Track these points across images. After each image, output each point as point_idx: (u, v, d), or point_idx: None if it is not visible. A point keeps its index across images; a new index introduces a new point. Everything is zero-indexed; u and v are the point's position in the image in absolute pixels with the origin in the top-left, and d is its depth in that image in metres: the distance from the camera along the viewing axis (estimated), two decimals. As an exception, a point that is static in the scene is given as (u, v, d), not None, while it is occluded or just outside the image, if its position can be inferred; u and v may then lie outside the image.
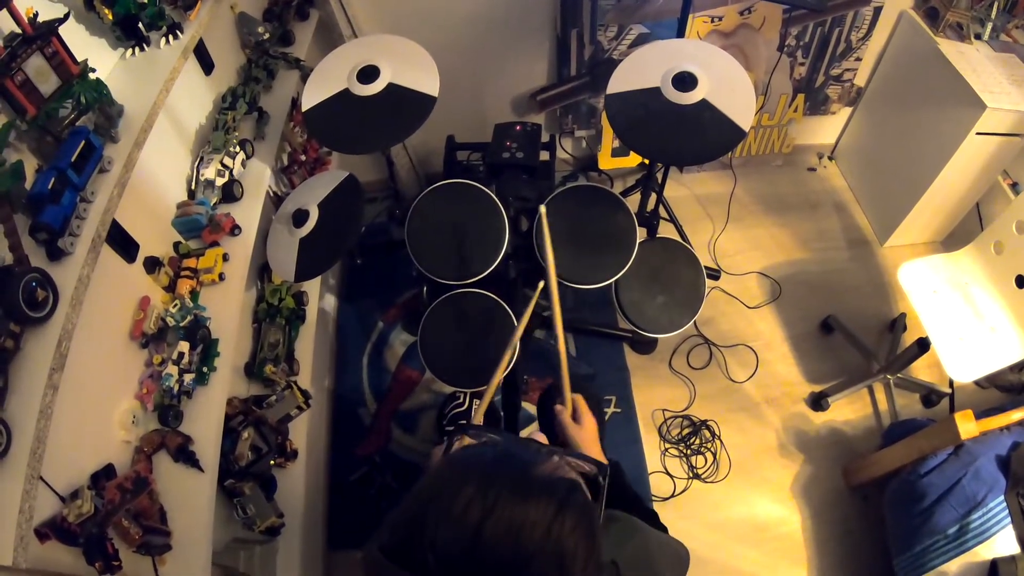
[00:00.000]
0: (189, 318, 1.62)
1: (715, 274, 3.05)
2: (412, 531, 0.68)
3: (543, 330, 2.88)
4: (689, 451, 2.63)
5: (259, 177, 2.04)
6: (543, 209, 1.63)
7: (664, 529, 1.26)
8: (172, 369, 1.53)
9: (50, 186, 1.21)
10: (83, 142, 1.30)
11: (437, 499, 0.69)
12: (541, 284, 1.55)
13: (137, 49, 1.59)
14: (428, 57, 2.00)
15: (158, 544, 1.38)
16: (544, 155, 2.52)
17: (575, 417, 1.32)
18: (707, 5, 2.81)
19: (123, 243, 1.53)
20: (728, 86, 1.91)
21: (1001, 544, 1.88)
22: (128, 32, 1.56)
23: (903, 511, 2.11)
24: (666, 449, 2.64)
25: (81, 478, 1.30)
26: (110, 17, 1.49)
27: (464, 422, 2.45)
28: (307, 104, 1.97)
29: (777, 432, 2.70)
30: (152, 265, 1.64)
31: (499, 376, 1.43)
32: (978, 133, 2.59)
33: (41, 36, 1.25)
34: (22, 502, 1.01)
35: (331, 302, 2.97)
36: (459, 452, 0.84)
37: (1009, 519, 1.89)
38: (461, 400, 2.57)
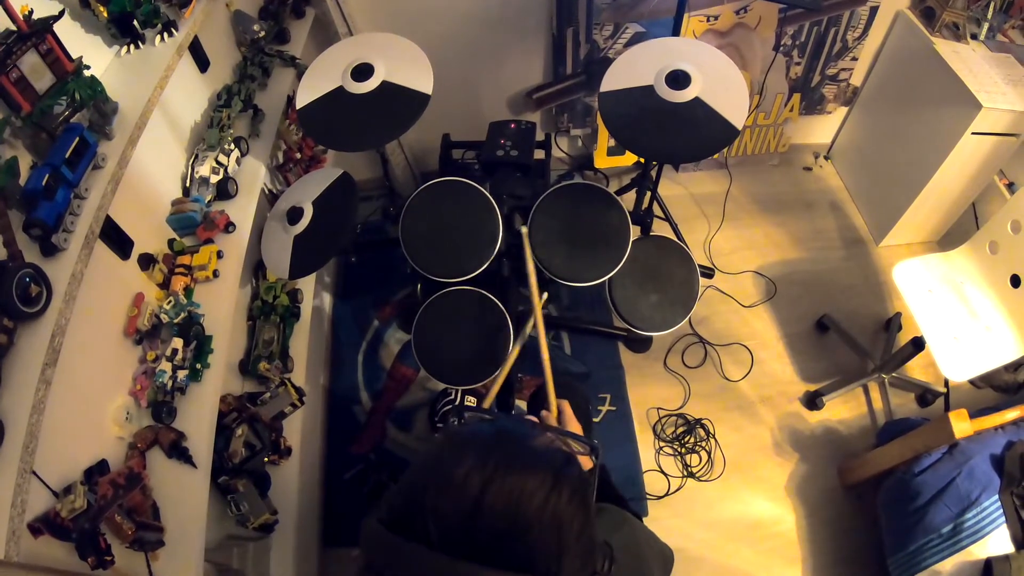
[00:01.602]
0: (183, 315, 1.62)
1: (710, 273, 3.06)
2: (412, 501, 0.69)
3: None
4: (684, 449, 2.64)
5: (254, 175, 2.04)
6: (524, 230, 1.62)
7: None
8: (166, 365, 1.53)
9: (44, 182, 1.21)
10: (77, 139, 1.30)
11: (437, 469, 0.70)
12: (546, 295, 1.55)
13: (132, 46, 1.59)
14: (423, 55, 2.00)
15: (151, 540, 1.38)
16: (539, 153, 2.53)
17: (560, 423, 1.33)
18: (703, 4, 2.81)
19: (117, 240, 1.53)
20: (721, 84, 1.91)
21: (995, 543, 1.89)
22: (123, 29, 1.56)
23: (897, 510, 2.11)
24: (661, 447, 2.64)
25: (74, 473, 1.30)
26: (105, 14, 1.49)
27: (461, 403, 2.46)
28: (301, 102, 1.97)
29: (772, 431, 2.70)
30: (146, 262, 1.64)
31: (507, 366, 1.44)
32: (974, 133, 2.60)
33: (36, 33, 1.25)
34: (15, 496, 1.01)
35: (326, 299, 2.97)
36: (458, 427, 0.85)
37: (1003, 518, 1.89)
38: (452, 396, 2.57)
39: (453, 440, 0.77)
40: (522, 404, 2.53)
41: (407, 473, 0.73)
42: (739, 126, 1.84)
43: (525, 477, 0.68)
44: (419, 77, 1.95)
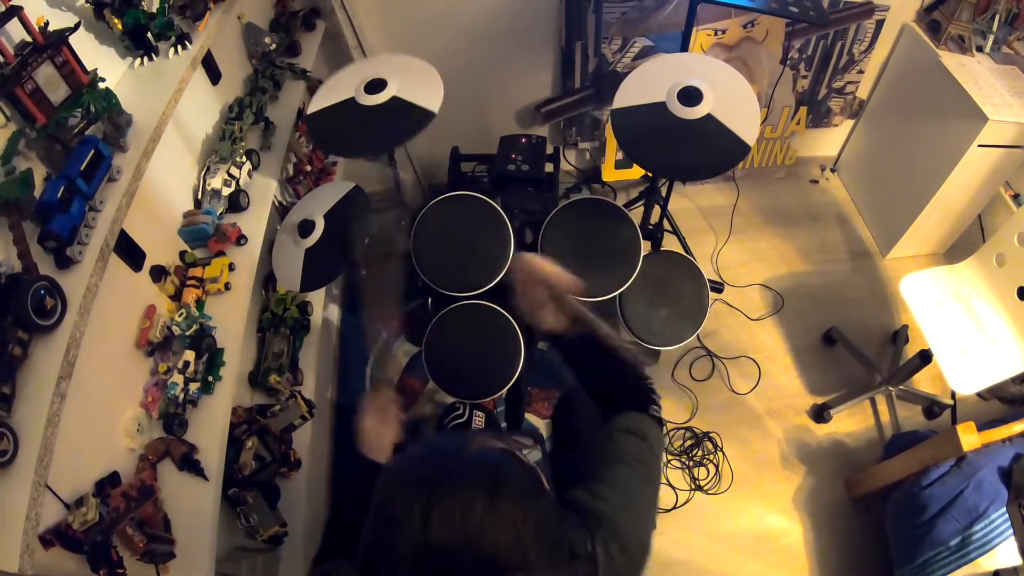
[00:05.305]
0: (195, 327, 1.63)
1: (718, 286, 3.05)
2: (370, 546, 0.72)
3: (546, 343, 2.88)
4: (691, 463, 2.63)
5: (265, 187, 2.05)
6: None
7: (651, 400, 1.23)
8: (177, 378, 1.53)
9: (59, 195, 1.21)
10: (92, 151, 1.30)
11: (379, 511, 0.73)
12: None
13: (146, 59, 1.60)
14: (437, 76, 1.99)
15: (162, 552, 1.37)
16: (547, 167, 2.53)
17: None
18: (711, 18, 2.82)
19: (130, 252, 1.53)
20: (733, 101, 1.92)
21: (1003, 555, 1.88)
22: (137, 42, 1.57)
23: (905, 523, 2.11)
24: (668, 461, 2.63)
25: (86, 485, 1.30)
26: (119, 27, 1.49)
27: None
28: (311, 109, 1.97)
29: (779, 444, 2.70)
30: (158, 274, 1.65)
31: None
32: (980, 145, 2.60)
33: (51, 45, 1.26)
34: (28, 509, 1.01)
35: (335, 312, 2.97)
36: (389, 463, 0.87)
37: (1011, 531, 1.89)
38: (461, 411, 2.56)
39: (385, 479, 0.78)
40: (531, 417, 2.53)
41: (365, 521, 0.75)
42: (750, 143, 1.84)
43: (462, 492, 0.70)
44: (429, 95, 1.95)
